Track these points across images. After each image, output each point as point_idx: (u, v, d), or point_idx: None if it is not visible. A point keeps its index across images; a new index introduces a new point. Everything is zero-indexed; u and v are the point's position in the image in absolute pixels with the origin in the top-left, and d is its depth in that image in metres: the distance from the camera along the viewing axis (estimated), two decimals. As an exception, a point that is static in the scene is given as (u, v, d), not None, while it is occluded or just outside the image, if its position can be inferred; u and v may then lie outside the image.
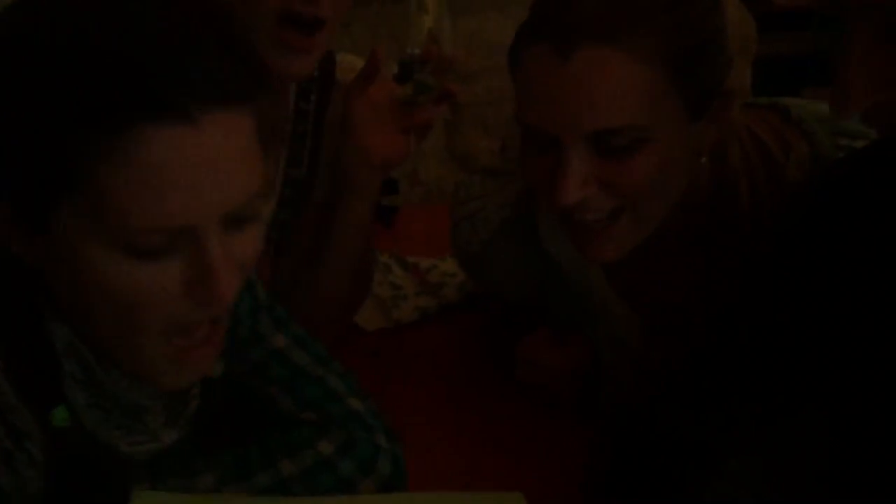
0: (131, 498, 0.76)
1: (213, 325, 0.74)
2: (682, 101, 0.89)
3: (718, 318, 0.90)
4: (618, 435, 0.91)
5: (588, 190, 0.89)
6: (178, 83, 0.65)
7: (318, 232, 1.10)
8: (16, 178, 0.68)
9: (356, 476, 0.86)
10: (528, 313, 1.19)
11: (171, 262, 0.69)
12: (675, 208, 0.95)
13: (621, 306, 1.06)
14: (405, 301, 1.33)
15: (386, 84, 1.05)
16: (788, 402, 0.80)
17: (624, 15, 0.85)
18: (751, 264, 0.88)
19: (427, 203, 2.18)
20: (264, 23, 0.96)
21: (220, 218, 0.69)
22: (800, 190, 0.89)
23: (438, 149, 2.22)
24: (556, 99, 0.86)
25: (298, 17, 0.97)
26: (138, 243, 0.67)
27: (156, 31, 0.66)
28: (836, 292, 0.77)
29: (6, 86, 0.66)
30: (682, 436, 0.83)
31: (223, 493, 0.81)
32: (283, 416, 0.89)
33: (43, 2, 0.69)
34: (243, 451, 0.85)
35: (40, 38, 0.66)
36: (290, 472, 0.84)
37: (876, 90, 0.65)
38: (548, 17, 0.87)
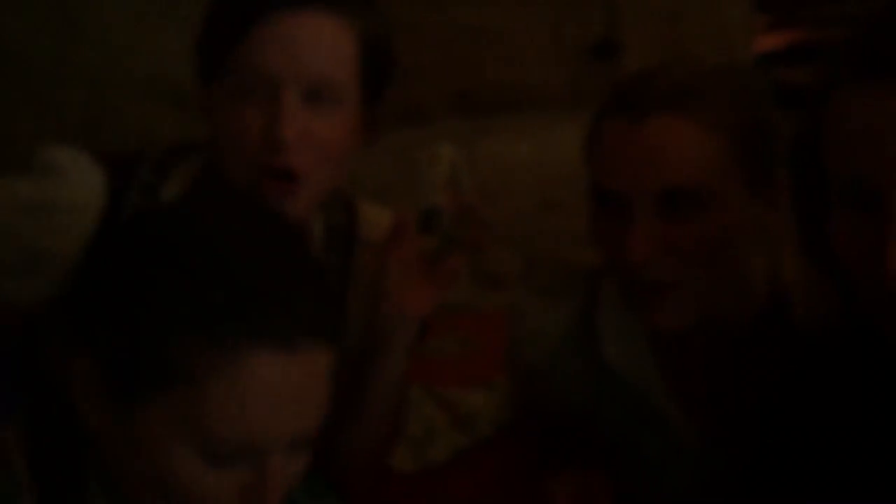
0: None
1: None
2: (743, 171, 0.97)
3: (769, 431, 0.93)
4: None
5: (654, 248, 0.95)
6: (287, 314, 0.71)
7: (351, 388, 1.10)
8: (119, 359, 0.72)
9: None
10: (569, 440, 1.17)
11: (235, 469, 0.73)
12: (734, 312, 1.00)
13: (677, 413, 1.07)
14: (439, 438, 1.32)
15: (414, 242, 1.06)
16: None
17: (691, 88, 0.96)
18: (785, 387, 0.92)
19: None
20: (247, 174, 1.00)
21: (289, 439, 0.74)
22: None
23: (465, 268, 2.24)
24: (629, 161, 0.96)
25: (271, 168, 1.00)
26: (213, 448, 0.71)
27: (273, 262, 0.73)
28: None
29: (141, 275, 0.72)
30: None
31: None
32: None
33: (187, 216, 0.76)
34: None
35: (178, 244, 0.73)
36: None
37: None
38: (624, 94, 0.98)
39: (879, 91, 0.76)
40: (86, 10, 1.87)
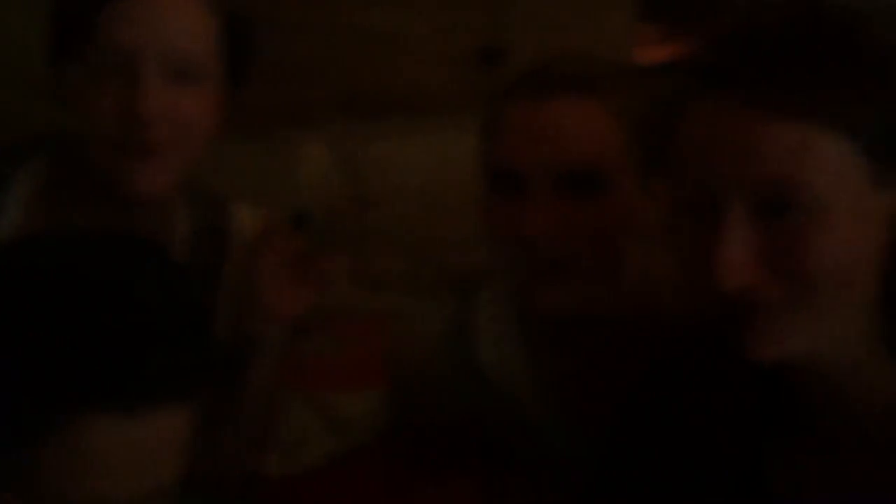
0: None
1: None
2: (637, 160, 0.99)
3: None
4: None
5: (549, 224, 0.96)
6: (131, 380, 0.68)
7: (222, 391, 1.08)
8: None
9: None
10: (445, 444, 1.18)
11: None
12: (611, 306, 1.02)
13: (552, 415, 1.09)
14: (312, 443, 1.31)
15: (285, 241, 1.05)
16: None
17: (596, 74, 1.00)
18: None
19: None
20: (107, 153, 0.99)
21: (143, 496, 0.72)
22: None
23: (348, 272, 2.23)
24: (530, 139, 0.97)
25: (130, 143, 0.99)
26: None
27: (118, 319, 0.68)
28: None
29: None
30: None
31: None
32: None
33: (26, 264, 0.71)
34: None
35: (15, 297, 0.69)
36: None
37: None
38: (529, 77, 1.02)
39: (723, 103, 0.78)
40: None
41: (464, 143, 1.08)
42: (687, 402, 0.90)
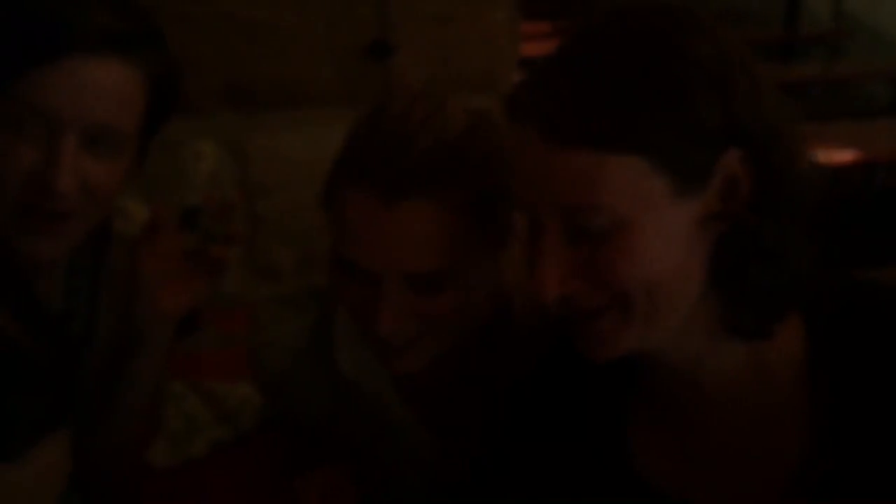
0: None
1: None
2: (484, 238, 0.99)
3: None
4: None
5: (402, 320, 0.97)
6: (10, 433, 0.68)
7: (104, 384, 1.09)
8: None
9: None
10: (315, 442, 1.21)
11: None
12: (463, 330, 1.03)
13: (411, 420, 1.12)
14: (199, 433, 1.33)
15: (172, 237, 1.05)
16: None
17: (440, 168, 0.95)
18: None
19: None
20: (9, 209, 0.94)
21: None
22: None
23: (238, 261, 2.24)
24: (380, 242, 0.95)
25: (40, 209, 0.95)
26: None
27: None
28: None
29: None
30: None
31: None
32: None
33: None
34: None
35: None
36: None
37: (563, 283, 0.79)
38: (372, 169, 0.94)
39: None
40: None
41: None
42: (553, 395, 0.96)
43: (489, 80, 2.21)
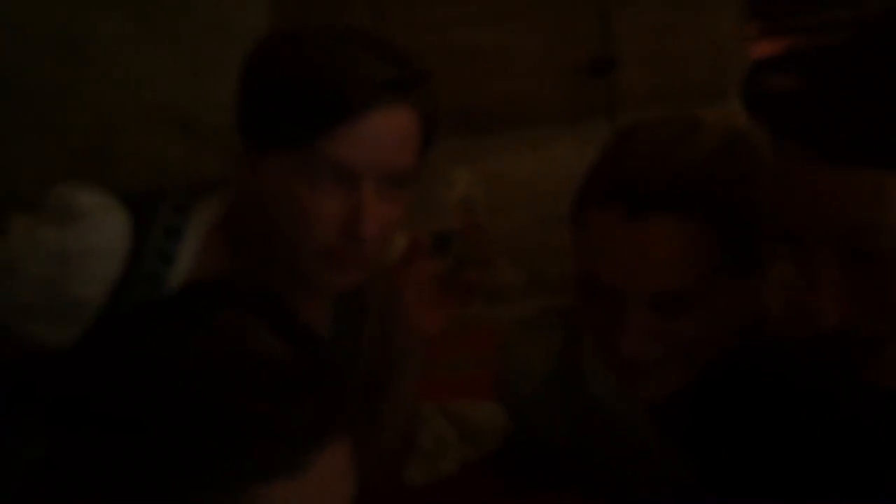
0: None
1: None
2: (734, 261, 0.95)
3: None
4: None
5: (646, 341, 0.95)
6: (288, 439, 0.69)
7: (365, 406, 1.14)
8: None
9: None
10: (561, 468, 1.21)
11: None
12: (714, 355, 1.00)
13: (669, 453, 1.09)
14: (449, 453, 1.36)
15: (428, 263, 1.09)
16: None
17: (689, 183, 0.93)
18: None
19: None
20: (312, 254, 1.00)
21: None
22: None
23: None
24: (626, 260, 0.94)
25: (343, 252, 1.00)
26: None
27: (261, 386, 0.69)
28: None
29: (129, 424, 0.69)
30: None
31: None
32: None
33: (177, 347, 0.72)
34: None
35: (155, 391, 0.69)
36: None
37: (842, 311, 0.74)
38: (619, 186, 0.94)
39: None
40: (91, 37, 1.89)
41: (575, 152, 1.08)
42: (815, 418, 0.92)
43: (718, 90, 2.15)
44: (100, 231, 1.02)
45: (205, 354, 0.71)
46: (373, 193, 0.98)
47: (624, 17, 2.16)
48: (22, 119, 1.88)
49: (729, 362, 1.04)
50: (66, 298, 1.01)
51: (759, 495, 0.97)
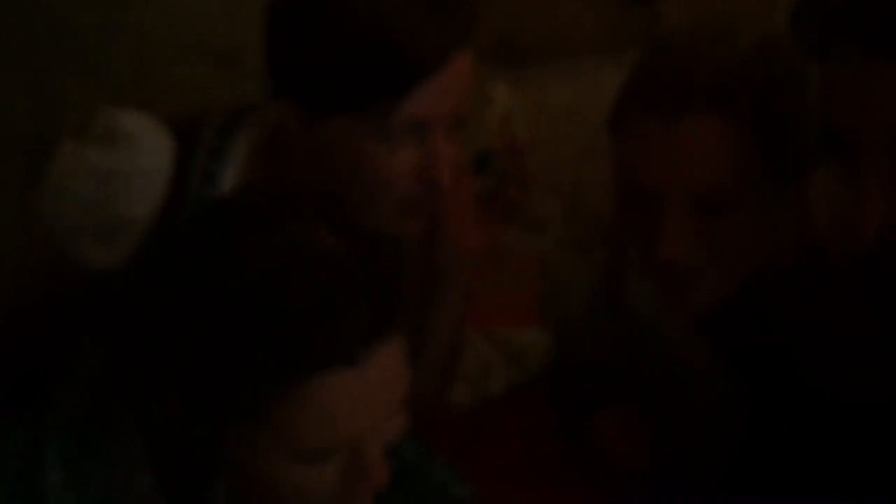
0: None
1: None
2: (773, 164, 0.95)
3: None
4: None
5: (685, 246, 0.95)
6: (342, 332, 0.71)
7: (412, 332, 1.14)
8: (192, 392, 0.74)
9: None
10: (610, 386, 1.22)
11: (332, 463, 0.76)
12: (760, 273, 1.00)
13: (714, 370, 1.09)
14: (494, 375, 1.37)
15: (468, 180, 1.09)
16: None
17: (727, 84, 0.92)
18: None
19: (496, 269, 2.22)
20: (388, 206, 1.01)
21: (381, 422, 0.76)
22: None
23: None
24: (663, 163, 0.94)
25: (420, 201, 1.02)
26: (308, 456, 0.74)
27: (318, 279, 0.71)
28: None
29: (187, 316, 0.72)
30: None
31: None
32: None
33: (235, 234, 0.74)
34: None
35: (222, 275, 0.72)
36: None
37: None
38: (655, 90, 0.94)
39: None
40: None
41: (615, 84, 1.07)
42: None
43: (763, 18, 2.11)
44: (144, 151, 1.04)
45: (265, 249, 0.72)
46: (443, 141, 0.99)
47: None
48: (67, 58, 1.90)
49: (773, 277, 1.04)
50: (115, 219, 1.02)
51: (805, 414, 0.97)
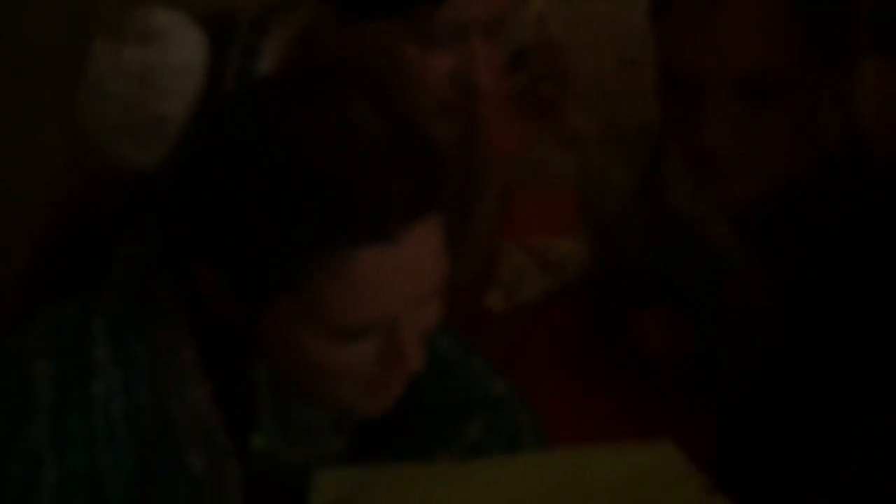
0: (313, 477, 0.82)
1: None
2: (820, 52, 0.94)
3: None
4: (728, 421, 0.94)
5: (727, 132, 0.94)
6: (382, 207, 0.71)
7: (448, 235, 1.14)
8: (234, 265, 0.75)
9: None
10: (648, 290, 1.21)
11: (369, 341, 0.77)
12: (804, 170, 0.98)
13: (748, 263, 1.09)
14: (528, 281, 1.37)
15: (503, 79, 1.08)
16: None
17: None
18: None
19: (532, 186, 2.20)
20: (428, 107, 1.00)
21: (414, 304, 0.77)
22: None
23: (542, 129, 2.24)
24: (705, 44, 0.93)
25: (454, 104, 1.01)
26: (344, 332, 0.75)
27: (359, 153, 0.72)
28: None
29: (229, 190, 0.73)
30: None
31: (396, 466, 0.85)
32: (428, 402, 0.93)
33: (273, 110, 0.74)
34: (397, 447, 0.89)
35: (264, 147, 0.72)
36: (442, 460, 0.88)
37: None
38: None
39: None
40: None
41: None
42: None
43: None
44: (178, 47, 1.03)
45: (310, 121, 0.73)
46: (481, 44, 0.99)
47: None
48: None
49: (817, 176, 1.02)
50: (150, 116, 1.02)
51: (840, 322, 0.95)
